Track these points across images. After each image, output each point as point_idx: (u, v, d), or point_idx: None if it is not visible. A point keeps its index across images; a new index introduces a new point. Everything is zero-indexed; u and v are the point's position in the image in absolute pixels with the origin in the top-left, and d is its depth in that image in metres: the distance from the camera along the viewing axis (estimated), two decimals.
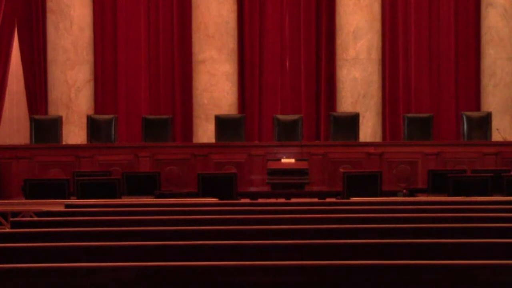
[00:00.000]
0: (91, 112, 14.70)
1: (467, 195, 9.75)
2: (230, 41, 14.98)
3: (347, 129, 13.41)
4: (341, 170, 12.00)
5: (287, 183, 11.51)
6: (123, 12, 15.40)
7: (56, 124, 13.43)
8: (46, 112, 14.75)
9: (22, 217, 8.88)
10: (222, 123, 13.47)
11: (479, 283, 4.37)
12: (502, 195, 10.10)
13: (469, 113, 13.71)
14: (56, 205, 8.40)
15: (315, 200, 10.89)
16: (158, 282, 4.37)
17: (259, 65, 15.40)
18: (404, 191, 11.61)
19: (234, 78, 15.00)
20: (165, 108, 15.33)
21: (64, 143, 13.52)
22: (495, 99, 14.56)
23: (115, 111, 14.93)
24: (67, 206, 7.92)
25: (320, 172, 12.52)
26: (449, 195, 10.19)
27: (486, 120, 13.49)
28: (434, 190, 10.96)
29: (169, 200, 9.46)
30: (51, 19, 14.93)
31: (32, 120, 13.56)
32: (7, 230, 6.69)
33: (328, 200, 10.76)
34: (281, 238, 5.49)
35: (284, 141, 13.13)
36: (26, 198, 10.23)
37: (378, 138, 14.64)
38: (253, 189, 12.20)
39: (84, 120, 13.96)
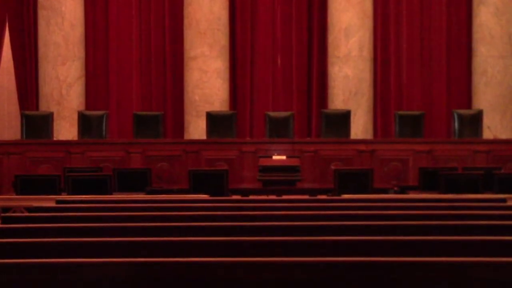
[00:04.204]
0: (82, 108, 14.66)
1: (458, 193, 9.77)
2: (221, 38, 14.95)
3: (338, 126, 13.39)
4: (332, 167, 12.00)
5: (279, 180, 11.49)
6: (115, 8, 15.38)
7: (47, 120, 13.39)
8: (37, 108, 14.71)
9: (13, 212, 8.86)
10: (213, 119, 13.45)
11: (471, 280, 4.38)
12: (493, 192, 10.12)
13: (460, 111, 13.73)
14: (47, 201, 8.38)
15: (306, 197, 10.89)
16: (150, 277, 4.37)
17: (250, 62, 15.40)
18: (395, 188, 11.62)
19: (225, 74, 14.98)
20: (157, 105, 15.32)
21: (55, 139, 13.49)
22: (486, 97, 14.58)
23: (106, 107, 14.91)
24: (58, 202, 7.91)
25: (311, 169, 12.52)
26: (440, 193, 10.20)
27: (477, 118, 13.50)
28: (425, 188, 10.97)
29: (160, 197, 9.45)
30: (42, 15, 14.89)
31: (23, 116, 13.52)
32: None
33: (319, 197, 10.76)
34: (272, 235, 5.49)
35: (275, 138, 13.14)
36: (17, 194, 10.21)
37: (369, 136, 14.65)
38: (244, 185, 12.18)
39: (75, 116, 13.91)
